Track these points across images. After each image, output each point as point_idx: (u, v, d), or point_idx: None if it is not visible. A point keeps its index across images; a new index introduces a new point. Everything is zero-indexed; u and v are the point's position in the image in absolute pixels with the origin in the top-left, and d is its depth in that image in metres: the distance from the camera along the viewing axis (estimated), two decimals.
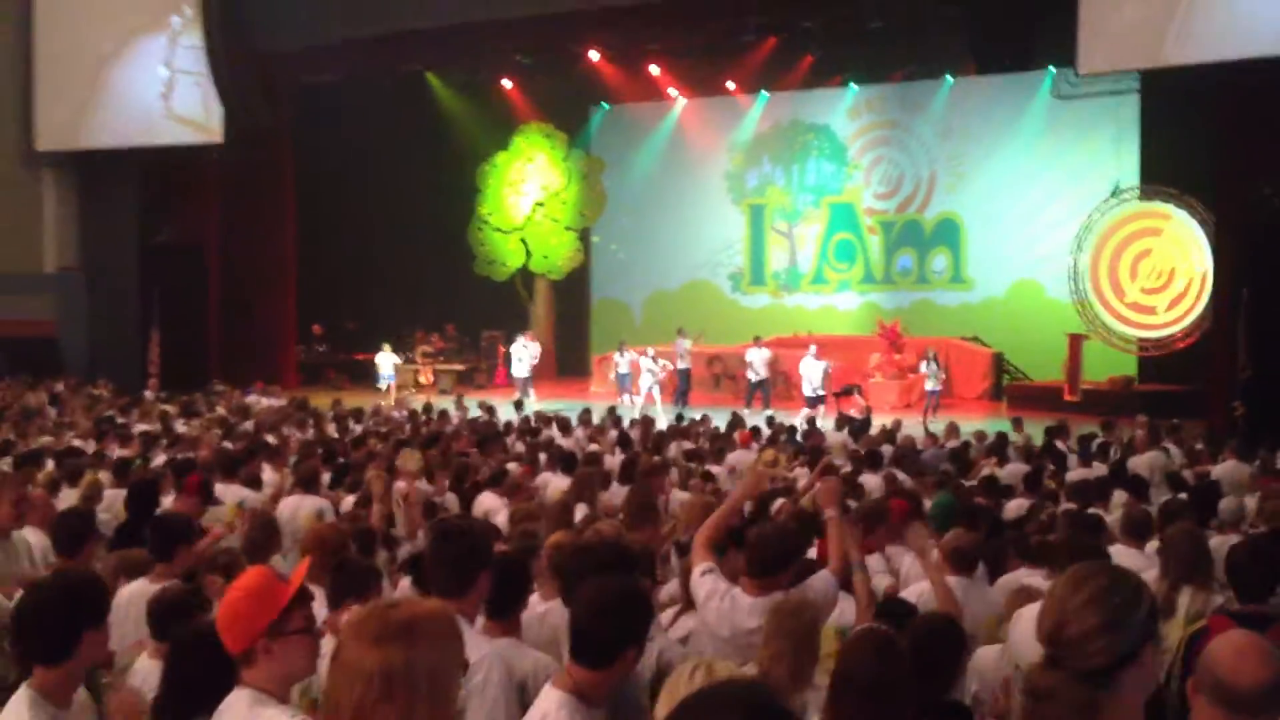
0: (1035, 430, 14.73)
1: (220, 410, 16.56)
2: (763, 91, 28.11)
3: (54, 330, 24.24)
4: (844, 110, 27.94)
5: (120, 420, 14.19)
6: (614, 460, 10.73)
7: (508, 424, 14.94)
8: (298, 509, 8.03)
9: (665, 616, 4.84)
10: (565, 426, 14.27)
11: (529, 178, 28.19)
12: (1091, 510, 8.12)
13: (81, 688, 3.56)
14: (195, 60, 22.43)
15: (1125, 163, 22.85)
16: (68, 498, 8.18)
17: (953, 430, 14.55)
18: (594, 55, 24.51)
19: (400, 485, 8.07)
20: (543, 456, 10.97)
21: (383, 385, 23.85)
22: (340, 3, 21.20)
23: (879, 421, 16.14)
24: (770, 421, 15.40)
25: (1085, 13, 17.02)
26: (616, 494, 8.50)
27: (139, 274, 23.88)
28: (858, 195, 27.90)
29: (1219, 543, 6.35)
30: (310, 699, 3.71)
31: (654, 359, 22.13)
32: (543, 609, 4.79)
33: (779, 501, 7.75)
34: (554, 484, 9.56)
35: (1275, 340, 16.90)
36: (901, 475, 10.23)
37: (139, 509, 7.16)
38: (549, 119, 28.42)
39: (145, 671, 4.22)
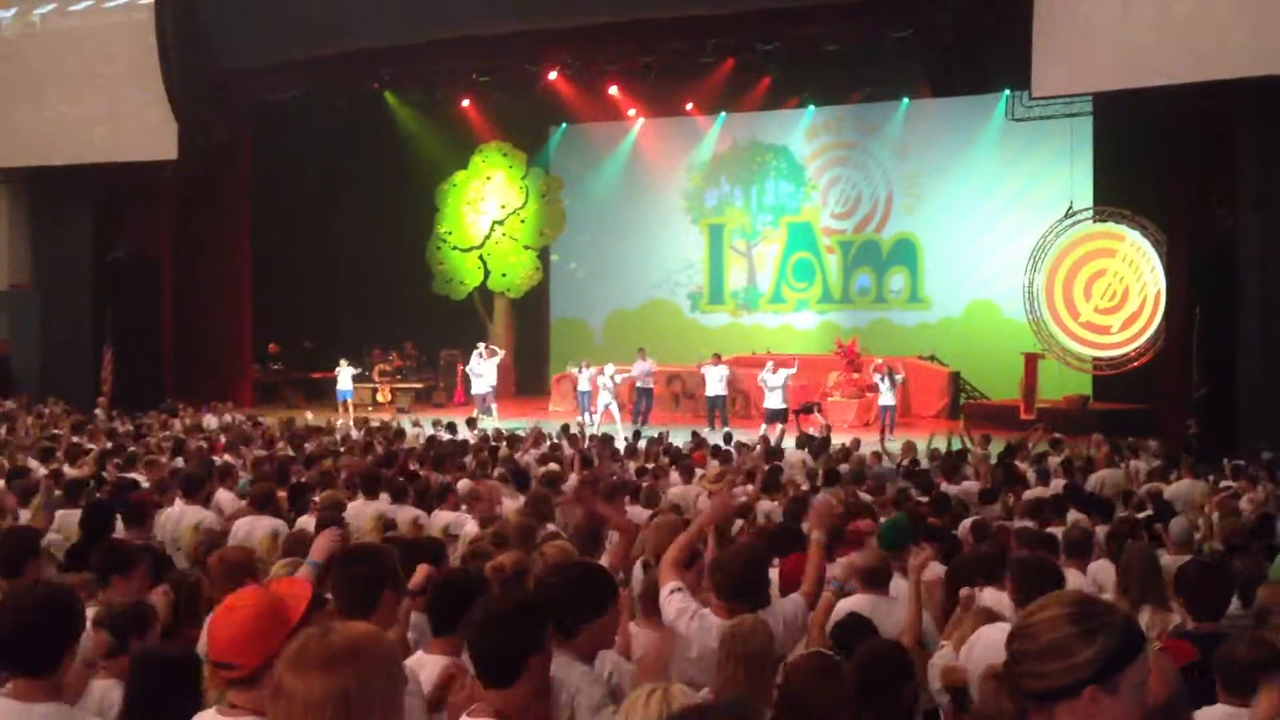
0: (995, 448, 14.80)
1: (176, 429, 16.35)
2: (721, 112, 28.22)
3: (6, 348, 23.95)
4: (802, 131, 28.12)
5: (73, 439, 13.97)
6: (574, 479, 10.65)
7: (464, 442, 14.84)
8: (252, 530, 7.92)
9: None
10: (514, 443, 14.23)
11: (488, 196, 28.14)
12: (1049, 530, 8.17)
13: None
14: (151, 77, 22.21)
15: (1079, 184, 23.10)
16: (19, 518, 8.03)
17: (909, 448, 14.62)
18: (553, 75, 24.51)
19: None
20: (496, 474, 10.91)
21: (343, 400, 23.72)
22: (297, 20, 21.08)
23: (838, 440, 16.18)
24: (728, 439, 15.38)
25: (1039, 36, 17.22)
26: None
27: (92, 291, 23.60)
28: (816, 215, 28.06)
29: (1169, 561, 6.39)
30: None
31: (611, 376, 22.09)
32: None
33: (738, 523, 7.74)
34: (507, 503, 9.50)
35: (1228, 359, 17.11)
36: (863, 494, 10.24)
37: (93, 531, 7.05)
38: (508, 138, 28.40)
39: (101, 691, 4.13)
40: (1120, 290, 21.64)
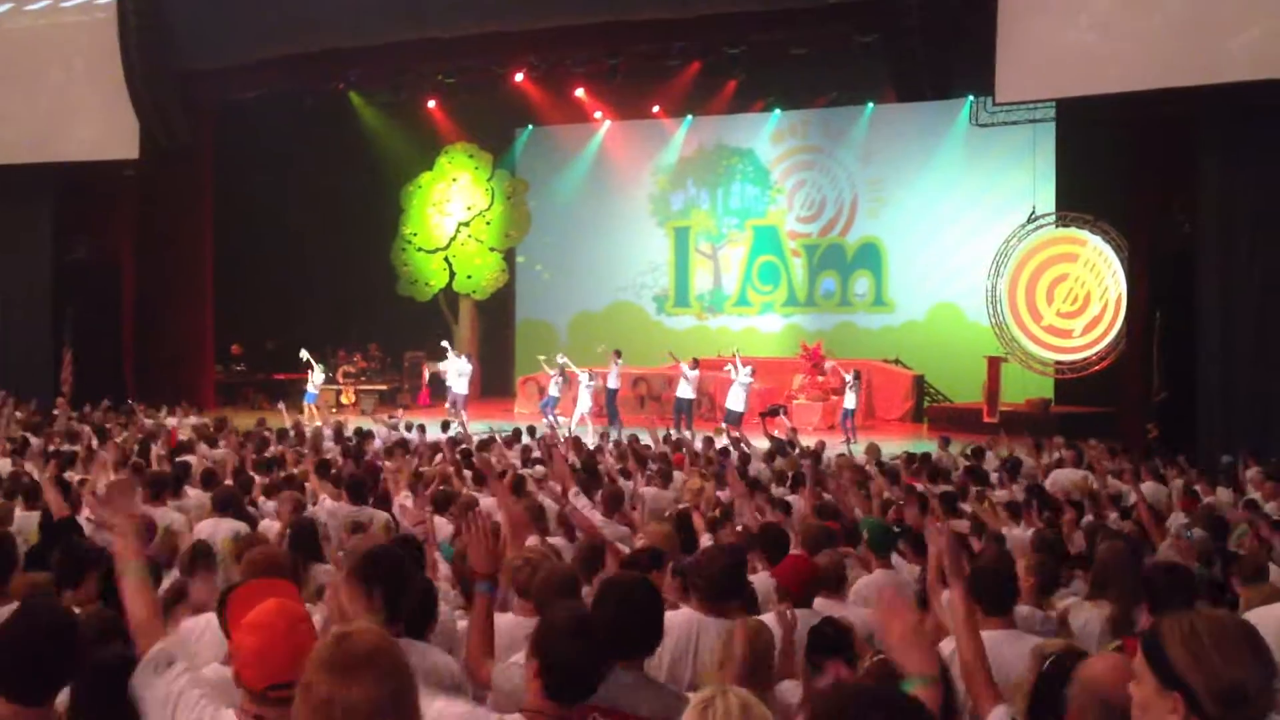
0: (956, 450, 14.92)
1: (141, 432, 16.18)
2: (688, 115, 28.29)
3: None
4: (767, 135, 28.23)
5: (33, 440, 13.81)
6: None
7: (435, 443, 14.78)
8: (214, 532, 7.87)
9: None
10: (485, 446, 14.18)
11: (453, 198, 28.08)
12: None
13: None
14: (111, 75, 21.98)
15: (1042, 189, 23.31)
16: None
17: (873, 450, 14.70)
18: (519, 77, 24.48)
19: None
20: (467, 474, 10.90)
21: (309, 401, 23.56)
22: (261, 20, 20.90)
23: (803, 443, 16.23)
24: (709, 444, 15.38)
25: (1003, 43, 17.37)
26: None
27: (52, 292, 23.30)
28: (781, 218, 28.18)
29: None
30: None
31: (591, 378, 22.10)
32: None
33: (723, 527, 7.76)
34: (484, 503, 9.48)
35: (1188, 363, 17.31)
36: (826, 495, 10.27)
37: (51, 533, 6.98)
38: (473, 139, 28.35)
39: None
40: (1082, 295, 21.85)
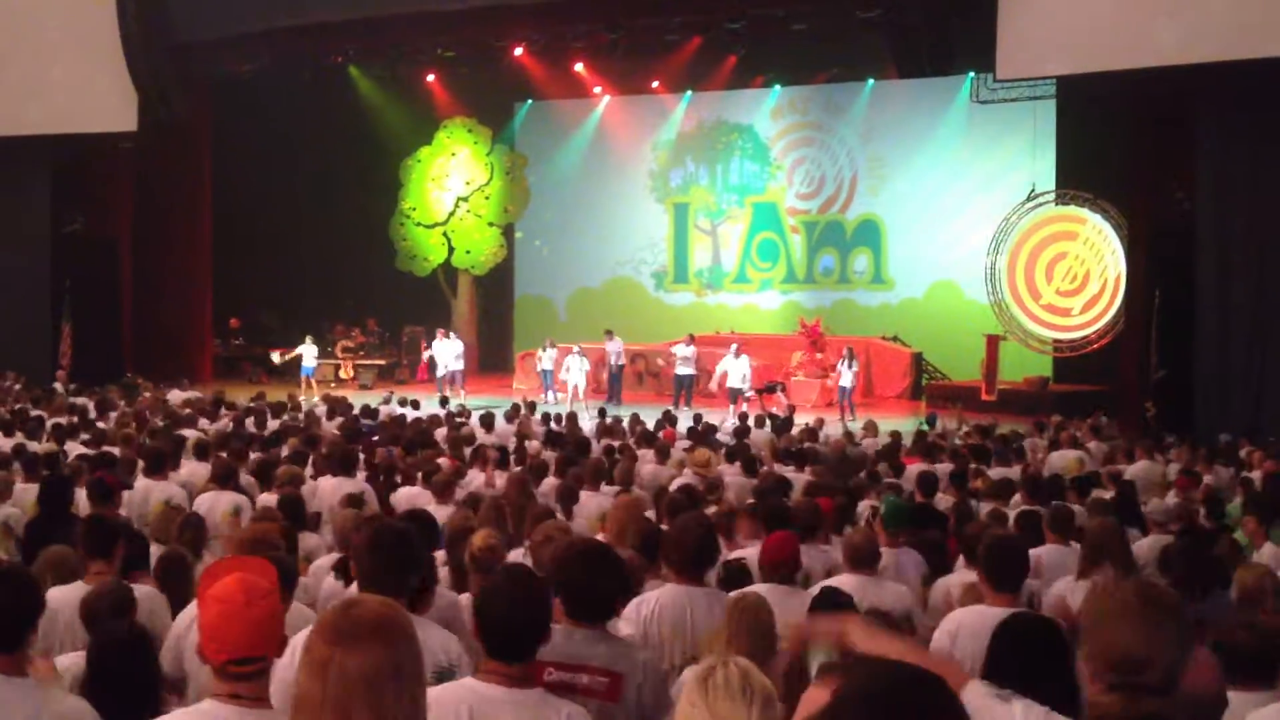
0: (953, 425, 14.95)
1: (139, 404, 16.20)
2: (687, 91, 28.20)
3: None
4: (767, 111, 28.14)
5: (32, 413, 13.82)
6: (548, 457, 10.66)
7: (433, 418, 14.80)
8: (214, 505, 7.90)
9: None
10: (489, 423, 14.20)
11: (452, 173, 27.99)
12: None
13: None
14: (110, 47, 21.89)
15: (1042, 167, 23.29)
16: None
17: (871, 428, 14.73)
18: (518, 51, 24.39)
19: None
20: (466, 452, 10.91)
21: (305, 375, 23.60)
22: None
23: (801, 420, 16.27)
24: (697, 420, 15.43)
25: (1004, 19, 17.31)
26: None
27: (50, 265, 23.26)
28: (780, 195, 28.12)
29: (1153, 542, 6.48)
30: None
31: (580, 354, 22.10)
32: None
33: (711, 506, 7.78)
34: (478, 480, 9.52)
35: (1186, 342, 17.33)
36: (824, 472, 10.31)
37: (52, 506, 7.00)
38: (472, 114, 28.24)
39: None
40: (1081, 273, 21.82)
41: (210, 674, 2.75)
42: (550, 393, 22.75)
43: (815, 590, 5.33)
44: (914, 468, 10.25)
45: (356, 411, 15.43)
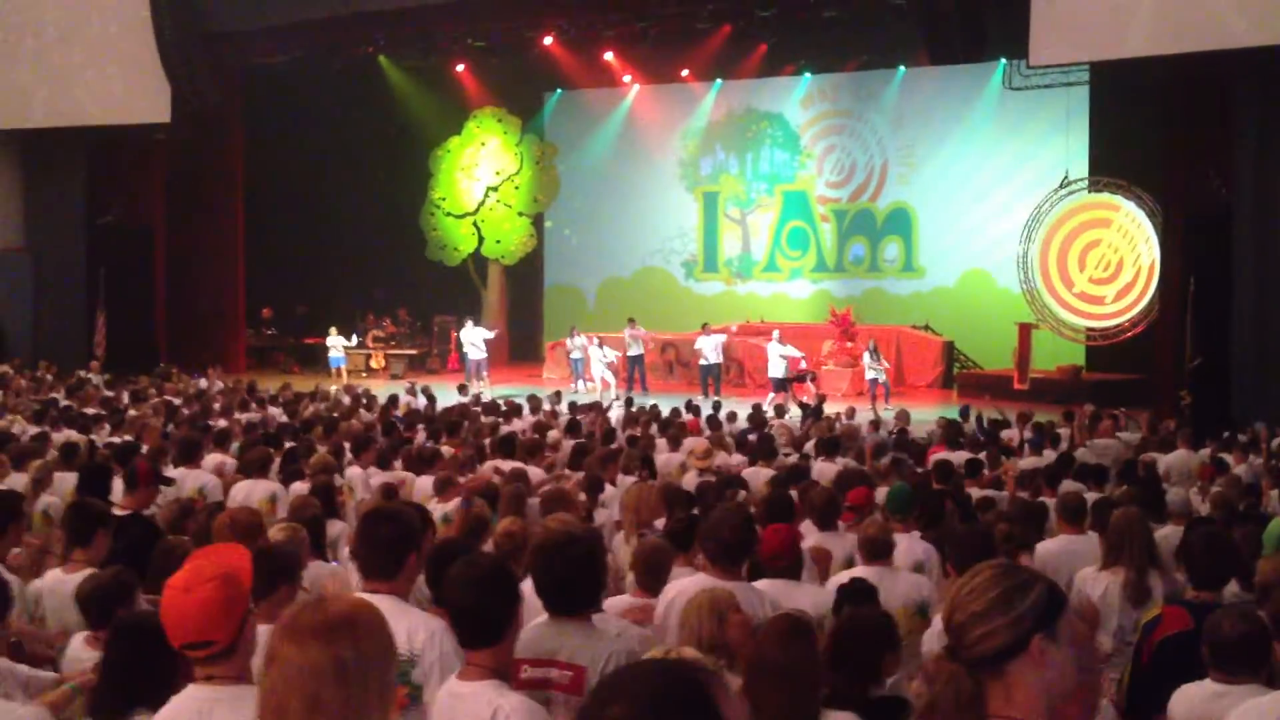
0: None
1: (170, 394, 16.34)
2: (717, 79, 28.11)
3: None
4: (797, 99, 28.00)
5: (65, 403, 13.96)
6: (567, 447, 10.68)
7: (463, 407, 14.85)
8: (250, 494, 7.94)
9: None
10: (515, 412, 14.23)
11: (482, 162, 28.02)
12: (1040, 499, 8.22)
13: None
14: (143, 39, 22.04)
15: (1075, 154, 23.08)
16: (14, 482, 8.04)
17: (903, 417, 14.66)
18: (548, 40, 24.37)
19: None
20: (487, 442, 10.93)
21: (335, 367, 23.76)
22: None
23: (832, 409, 16.21)
24: (717, 408, 15.41)
25: (1037, 5, 17.15)
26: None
27: (85, 254, 23.49)
28: (810, 184, 28.00)
29: (1170, 532, 6.41)
30: None
31: (600, 346, 22.17)
32: None
33: (741, 494, 7.78)
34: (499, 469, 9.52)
35: (1221, 330, 17.14)
36: (854, 462, 10.28)
37: (90, 493, 7.04)
38: (502, 104, 28.25)
39: (83, 661, 4.13)
40: (1115, 261, 21.63)
41: None
42: (581, 382, 22.77)
43: (822, 583, 5.35)
44: (937, 456, 10.20)
45: (383, 402, 15.50)
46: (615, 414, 15.27)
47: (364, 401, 15.69)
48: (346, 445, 10.08)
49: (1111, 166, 22.04)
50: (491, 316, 27.24)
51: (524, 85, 28.46)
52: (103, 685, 3.59)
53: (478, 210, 28.02)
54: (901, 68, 26.24)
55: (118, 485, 7.23)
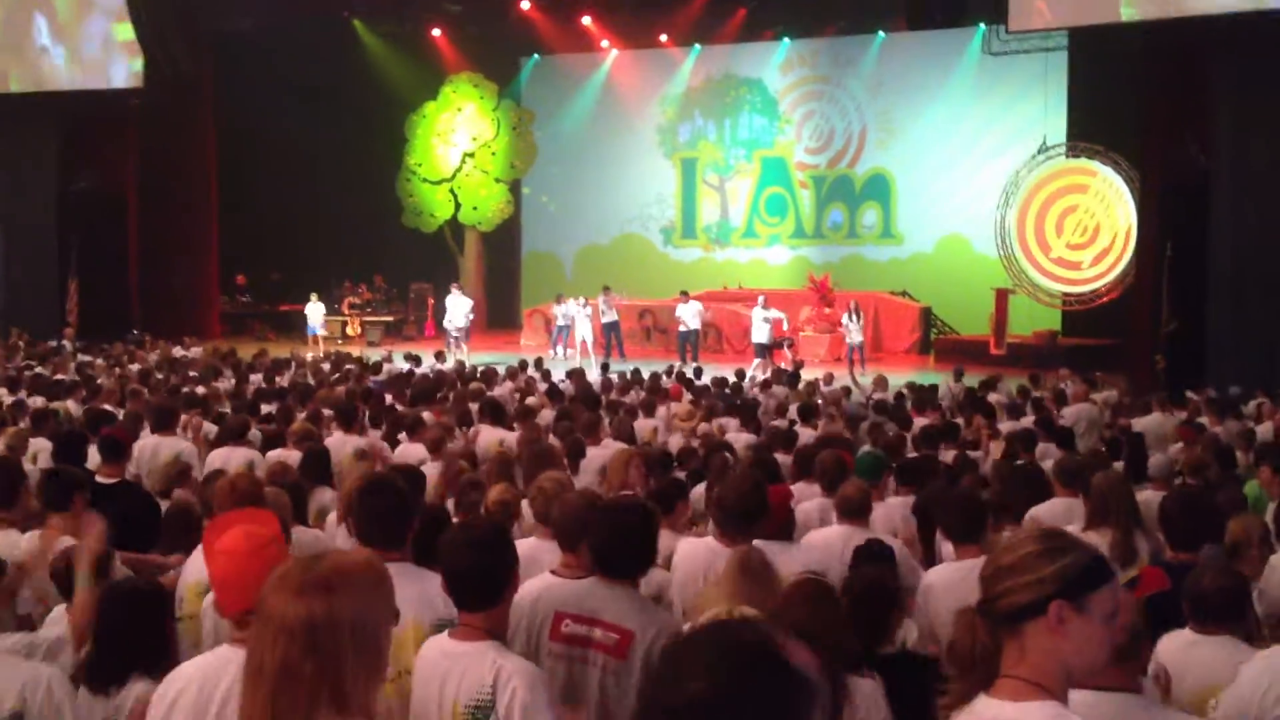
0: (969, 382, 14.89)
1: (150, 361, 16.23)
2: (695, 44, 27.98)
3: None
4: (776, 65, 27.90)
5: (38, 370, 13.84)
6: (549, 414, 10.64)
7: (440, 374, 14.79)
8: (228, 461, 7.88)
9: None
10: (490, 378, 14.21)
11: (458, 128, 27.81)
12: (1020, 461, 8.24)
13: None
14: (115, 5, 21.76)
15: (1053, 119, 23.08)
16: None
17: (880, 382, 14.68)
18: (525, 4, 24.19)
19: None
20: (474, 407, 10.88)
21: (312, 334, 23.63)
22: None
23: (809, 375, 16.22)
24: (698, 374, 15.41)
25: None
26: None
27: (57, 222, 23.26)
28: (789, 150, 27.95)
29: (1150, 496, 6.44)
30: None
31: (583, 305, 22.19)
32: None
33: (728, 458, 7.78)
34: (486, 435, 9.50)
35: (1197, 295, 17.23)
36: (835, 426, 10.29)
37: (66, 461, 6.99)
38: (479, 69, 28.01)
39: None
40: (1092, 226, 21.69)
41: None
42: (559, 348, 22.73)
43: (806, 543, 5.36)
44: (919, 421, 10.23)
45: (359, 369, 15.43)
46: (593, 379, 15.26)
47: (346, 368, 15.61)
48: (326, 412, 10.03)
49: (1089, 132, 22.07)
50: (468, 283, 27.10)
51: (501, 50, 28.26)
52: (98, 653, 3.57)
53: (454, 176, 27.84)
54: (880, 33, 26.19)
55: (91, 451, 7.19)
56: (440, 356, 18.55)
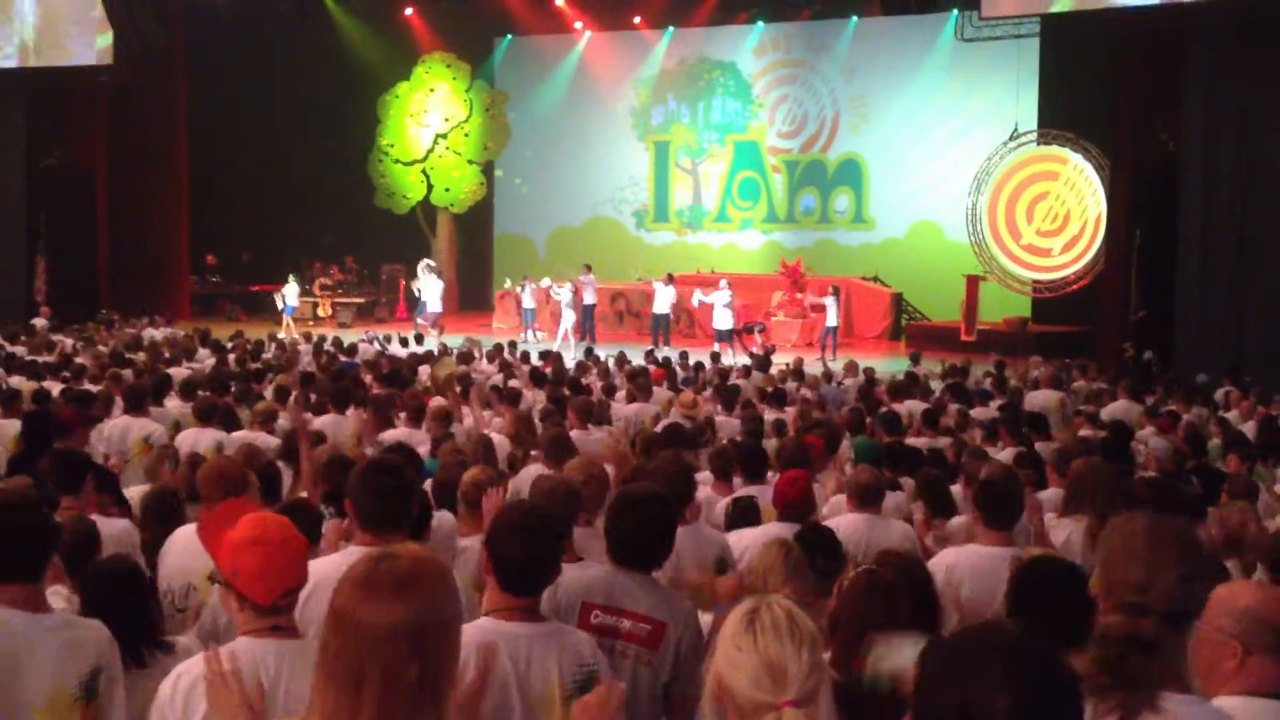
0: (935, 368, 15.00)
1: (112, 342, 16.10)
2: (669, 27, 27.93)
3: None
4: (750, 48, 27.91)
5: (9, 349, 13.72)
6: (532, 396, 10.67)
7: (414, 355, 14.77)
8: (196, 442, 7.86)
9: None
10: (465, 359, 14.20)
11: (430, 109, 27.68)
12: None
13: None
14: None
15: (1025, 106, 23.20)
16: None
17: (851, 368, 14.77)
18: None
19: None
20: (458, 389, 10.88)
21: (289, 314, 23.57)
22: None
23: (780, 360, 16.29)
24: (683, 359, 15.45)
25: None
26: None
27: (25, 199, 23.00)
28: (762, 134, 27.98)
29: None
30: None
31: (560, 288, 22.18)
32: (465, 544, 4.75)
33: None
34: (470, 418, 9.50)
35: (1166, 282, 17.40)
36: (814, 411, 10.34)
37: (34, 441, 6.96)
38: (451, 49, 27.88)
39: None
40: (1062, 213, 21.83)
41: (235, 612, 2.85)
42: (530, 331, 22.71)
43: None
44: (898, 407, 10.28)
45: (333, 348, 15.39)
46: (570, 363, 15.27)
47: (319, 349, 15.56)
48: (294, 394, 10.00)
49: (1061, 119, 22.21)
50: (441, 265, 27.00)
51: (474, 31, 28.13)
52: None
53: (426, 158, 27.71)
54: (854, 18, 26.24)
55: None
56: (419, 339, 18.52)
